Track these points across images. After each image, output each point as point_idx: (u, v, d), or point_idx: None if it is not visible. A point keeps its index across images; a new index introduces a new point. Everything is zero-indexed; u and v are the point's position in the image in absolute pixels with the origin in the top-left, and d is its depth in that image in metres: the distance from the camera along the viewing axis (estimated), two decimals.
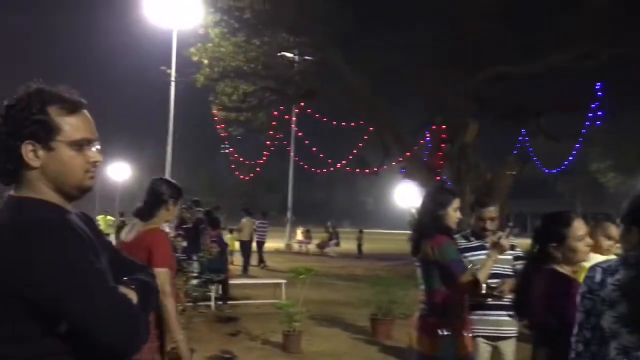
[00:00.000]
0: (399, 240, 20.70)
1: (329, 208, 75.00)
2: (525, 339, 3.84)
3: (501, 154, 19.30)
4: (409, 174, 18.53)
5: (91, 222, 1.66)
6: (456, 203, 3.60)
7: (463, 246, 3.94)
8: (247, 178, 28.22)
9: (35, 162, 1.50)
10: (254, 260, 18.04)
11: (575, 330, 2.05)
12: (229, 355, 6.73)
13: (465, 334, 3.52)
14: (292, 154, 29.62)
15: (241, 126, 19.77)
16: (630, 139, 27.00)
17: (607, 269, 1.97)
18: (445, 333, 3.41)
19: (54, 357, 1.43)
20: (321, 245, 26.23)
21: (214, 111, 18.99)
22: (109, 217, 23.52)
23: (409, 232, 3.91)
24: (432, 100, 18.76)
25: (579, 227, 2.72)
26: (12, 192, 1.54)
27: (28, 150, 1.48)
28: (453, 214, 3.57)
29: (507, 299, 3.68)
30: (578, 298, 2.05)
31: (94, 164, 1.56)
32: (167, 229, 4.69)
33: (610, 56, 14.25)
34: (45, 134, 1.49)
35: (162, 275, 3.18)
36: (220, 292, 10.23)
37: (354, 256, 24.99)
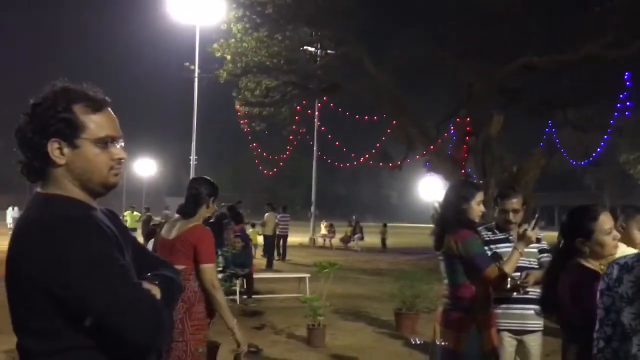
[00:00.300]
0: (423, 234, 20.54)
1: (353, 202, 74.95)
2: (551, 333, 3.78)
3: (528, 146, 19.05)
4: (433, 168, 18.39)
5: (116, 218, 1.69)
6: (479, 196, 3.52)
7: (487, 238, 3.88)
8: (270, 173, 28.32)
9: (61, 160, 1.52)
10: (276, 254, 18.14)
11: (596, 326, 2.02)
12: (253, 348, 6.76)
13: (490, 329, 3.47)
14: (315, 148, 29.63)
15: (264, 121, 19.83)
16: None
17: (624, 266, 1.94)
18: (470, 329, 3.37)
19: (81, 351, 1.46)
20: (345, 240, 26.20)
21: (237, 107, 19.07)
22: (135, 213, 23.83)
23: (432, 226, 3.86)
24: (458, 93, 18.58)
25: (606, 220, 2.66)
26: (39, 189, 1.57)
27: (54, 148, 1.51)
28: (476, 207, 3.50)
29: (533, 292, 3.62)
30: (598, 295, 2.02)
31: (119, 161, 1.58)
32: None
33: None
34: (71, 132, 1.51)
35: (210, 270, 3.42)
36: (244, 286, 10.31)
37: (378, 250, 24.91)
